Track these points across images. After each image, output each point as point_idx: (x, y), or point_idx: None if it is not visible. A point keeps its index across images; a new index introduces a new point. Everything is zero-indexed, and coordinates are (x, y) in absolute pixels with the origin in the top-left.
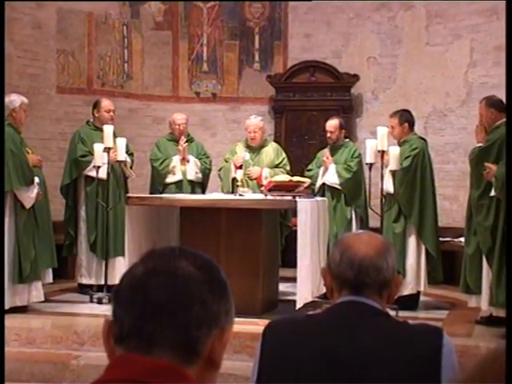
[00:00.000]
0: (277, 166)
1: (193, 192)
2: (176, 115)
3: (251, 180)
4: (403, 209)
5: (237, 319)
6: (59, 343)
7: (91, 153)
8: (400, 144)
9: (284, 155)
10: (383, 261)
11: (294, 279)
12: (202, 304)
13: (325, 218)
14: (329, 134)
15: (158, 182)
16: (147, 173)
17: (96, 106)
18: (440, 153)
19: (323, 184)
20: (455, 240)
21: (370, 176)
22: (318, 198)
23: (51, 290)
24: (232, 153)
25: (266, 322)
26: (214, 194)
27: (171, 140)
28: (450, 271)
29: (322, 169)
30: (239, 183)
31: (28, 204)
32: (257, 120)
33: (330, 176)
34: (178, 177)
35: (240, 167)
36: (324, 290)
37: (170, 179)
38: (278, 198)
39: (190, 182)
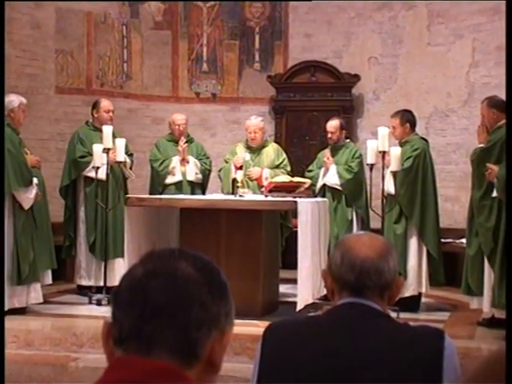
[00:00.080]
0: (277, 167)
1: (193, 193)
2: (176, 115)
3: (251, 181)
4: (404, 210)
5: (237, 321)
6: (58, 345)
7: (90, 153)
8: (401, 144)
9: (284, 156)
10: (384, 263)
11: (294, 281)
12: (201, 306)
13: (325, 219)
14: (329, 135)
15: (157, 183)
16: (147, 173)
17: (95, 106)
18: (441, 153)
19: (324, 185)
20: (457, 241)
21: (371, 177)
22: (319, 199)
23: (50, 292)
24: (232, 153)
25: (266, 323)
26: (214, 195)
27: (171, 140)
28: (451, 273)
29: (322, 169)
30: (239, 184)
31: (27, 205)
32: (257, 120)
33: (331, 177)
34: (177, 177)
35: (240, 168)
36: (325, 291)
37: (169, 180)
38: (278, 198)
39: (190, 182)
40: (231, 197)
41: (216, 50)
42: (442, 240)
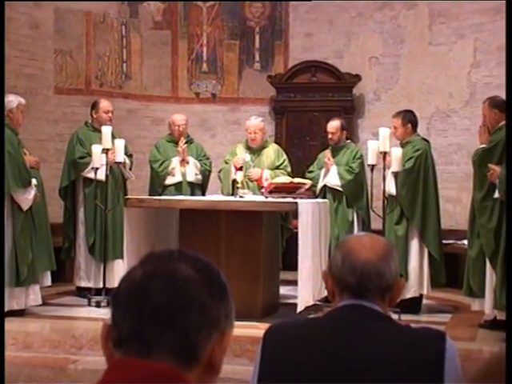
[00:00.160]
0: (277, 168)
1: (192, 194)
2: (175, 116)
3: (251, 182)
4: (405, 211)
5: (237, 323)
6: (57, 347)
7: (89, 154)
8: (402, 145)
9: (285, 156)
10: (386, 266)
11: (294, 282)
12: (201, 307)
13: (326, 220)
14: (330, 135)
15: (157, 184)
16: (146, 174)
17: (94, 106)
18: (443, 154)
19: (324, 186)
20: (458, 242)
21: (372, 177)
22: (320, 200)
23: (49, 294)
24: (232, 154)
25: (266, 325)
26: (214, 196)
27: (170, 141)
28: (453, 274)
29: (323, 170)
30: (239, 185)
31: (25, 206)
32: (257, 121)
33: (332, 178)
34: (177, 178)
35: (240, 169)
36: (325, 293)
37: (169, 181)
38: (278, 199)
39: (190, 183)
40: (231, 198)
41: (216, 50)
42: (444, 241)
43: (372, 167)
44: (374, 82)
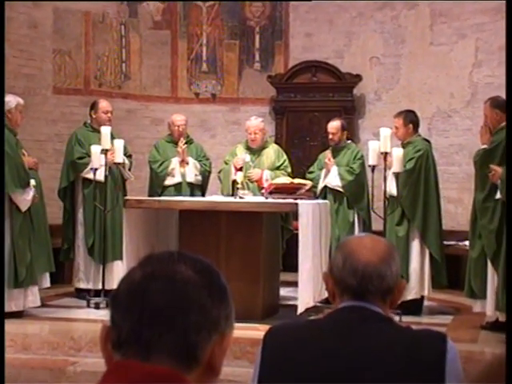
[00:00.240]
0: (278, 168)
1: (192, 194)
2: (175, 116)
3: (252, 182)
4: (406, 212)
5: (237, 324)
6: (56, 349)
7: (88, 155)
8: (404, 145)
9: (285, 157)
10: (387, 268)
11: (295, 283)
12: (201, 309)
13: (327, 221)
14: (331, 136)
15: (156, 185)
16: (145, 175)
17: (93, 107)
18: (444, 154)
19: (325, 186)
20: (460, 244)
21: (373, 178)
22: (320, 201)
23: (48, 295)
24: (232, 154)
25: (266, 327)
26: (214, 197)
27: (170, 142)
28: (454, 275)
29: (323, 171)
30: (239, 185)
31: (24, 207)
32: (257, 121)
33: (332, 178)
34: (177, 179)
35: (240, 169)
36: (326, 294)
37: (168, 181)
38: (278, 200)
39: (190, 184)
40: (231, 198)
41: (216, 50)
42: (445, 242)
43: (373, 168)
44: (375, 82)
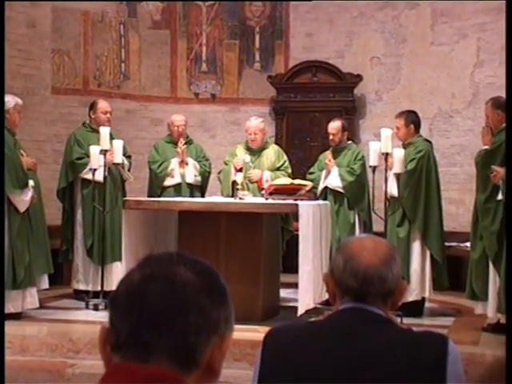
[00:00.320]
0: (278, 169)
1: (192, 195)
2: (175, 117)
3: (251, 183)
4: (407, 213)
5: (237, 326)
6: (54, 351)
7: (87, 155)
8: (405, 146)
9: (285, 158)
10: (388, 270)
11: (295, 285)
12: (200, 310)
13: (327, 222)
14: (331, 136)
15: (155, 185)
16: (145, 176)
17: (92, 107)
18: (446, 155)
19: (325, 187)
20: (461, 245)
21: (374, 179)
22: (321, 202)
23: (46, 297)
24: (232, 155)
25: (266, 329)
26: (214, 198)
27: (170, 142)
28: (455, 277)
29: (324, 172)
30: (239, 186)
31: (22, 208)
32: (257, 122)
33: (333, 179)
34: (176, 180)
35: (240, 170)
36: (326, 296)
37: (168, 182)
38: (279, 201)
39: (189, 185)
40: (231, 199)
41: (215, 50)
42: (446, 243)
43: (374, 168)
44: (376, 83)
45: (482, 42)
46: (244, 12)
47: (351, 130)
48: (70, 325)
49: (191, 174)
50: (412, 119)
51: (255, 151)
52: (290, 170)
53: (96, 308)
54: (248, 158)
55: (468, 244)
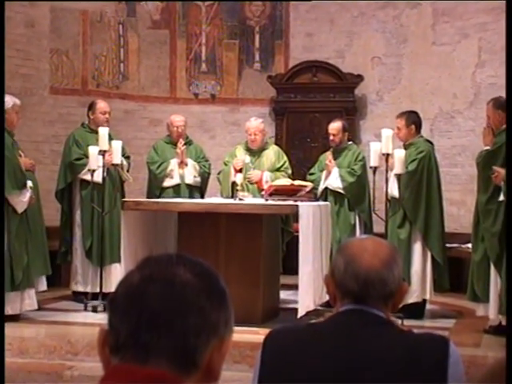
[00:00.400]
0: (278, 170)
1: (191, 196)
2: (174, 117)
3: (251, 184)
4: (408, 214)
5: (236, 328)
6: (53, 353)
7: (86, 156)
8: (406, 147)
9: (285, 158)
10: (389, 272)
11: (295, 287)
12: (200, 312)
13: (327, 224)
14: (331, 137)
15: (154, 186)
16: (144, 177)
17: (91, 107)
18: (447, 156)
19: (326, 188)
20: (462, 246)
21: (375, 180)
22: (321, 203)
23: (45, 298)
24: (232, 156)
25: (266, 331)
26: (213, 199)
27: (169, 143)
28: (456, 279)
29: (324, 172)
30: (239, 187)
31: (20, 209)
32: (257, 122)
33: (333, 180)
34: (175, 181)
35: (240, 171)
36: (326, 297)
37: (167, 183)
38: (279, 202)
39: (188, 186)
40: (231, 200)
41: (215, 50)
42: (447, 245)
43: (374, 169)
44: (377, 83)
45: (484, 42)
46: (244, 12)
47: (352, 131)
48: (68, 327)
49: (190, 175)
50: (413, 120)
51: (255, 152)
52: (290, 171)
53: (95, 310)
54: (248, 158)
55: (469, 245)
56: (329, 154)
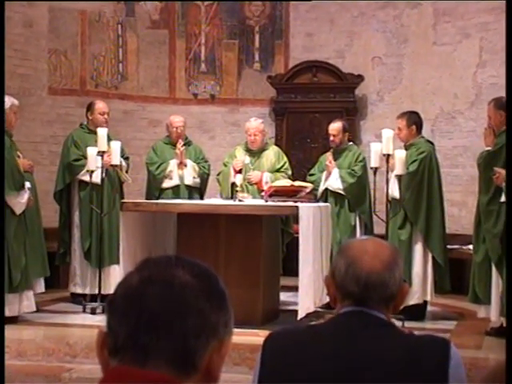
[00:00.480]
0: (278, 171)
1: (190, 197)
2: (173, 117)
3: (251, 185)
4: (409, 215)
5: (236, 330)
6: (51, 355)
7: (85, 156)
8: (406, 147)
9: (285, 159)
10: (390, 275)
11: (295, 288)
12: (199, 313)
13: (328, 225)
14: (332, 137)
15: (154, 187)
16: (143, 177)
17: (90, 108)
18: (448, 156)
19: (326, 189)
20: (463, 248)
21: (375, 181)
22: (321, 204)
23: (43, 300)
24: (231, 156)
25: (266, 333)
26: (213, 200)
27: (168, 143)
28: (458, 280)
29: (324, 173)
30: (239, 188)
31: (18, 210)
32: (257, 122)
33: (334, 181)
34: (174, 182)
35: (239, 171)
36: (327, 299)
37: (166, 184)
38: (279, 203)
39: (188, 187)
40: (230, 201)
41: (214, 50)
42: (449, 246)
43: (375, 170)
44: (377, 83)
45: (485, 42)
46: (243, 11)
47: (352, 131)
48: (67, 329)
49: (190, 176)
50: (414, 120)
51: (255, 152)
52: (290, 172)
53: (93, 312)
54: (248, 159)
55: (470, 247)
56: (329, 155)
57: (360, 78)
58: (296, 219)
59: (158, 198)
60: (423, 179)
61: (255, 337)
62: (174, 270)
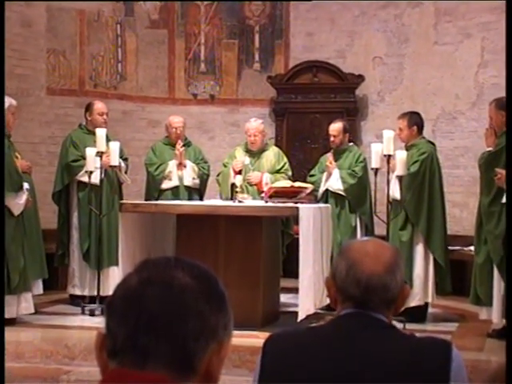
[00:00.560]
0: (278, 171)
1: (190, 198)
2: (173, 118)
3: (251, 186)
4: (410, 216)
5: (236, 332)
6: (49, 357)
7: (84, 157)
8: (407, 148)
9: (285, 160)
10: (392, 277)
11: (295, 290)
12: (198, 316)
13: (328, 226)
14: (332, 138)
15: (153, 188)
16: (142, 178)
17: (88, 108)
18: (449, 157)
19: (326, 190)
20: (465, 249)
21: (376, 182)
22: (321, 205)
23: (41, 302)
24: (231, 157)
25: (266, 334)
26: (212, 201)
27: (167, 144)
28: (459, 282)
29: (325, 174)
30: (238, 189)
31: (17, 211)
32: (257, 123)
33: (334, 182)
34: (174, 182)
35: (239, 172)
36: (327, 301)
37: (165, 185)
38: (279, 204)
39: (187, 187)
40: (230, 202)
41: (214, 50)
42: (450, 247)
43: (376, 171)
44: (378, 83)
45: (487, 42)
46: (243, 11)
47: (353, 132)
48: (65, 331)
49: (189, 177)
50: (415, 120)
51: (255, 153)
52: (290, 173)
53: (92, 313)
54: (247, 160)
55: (472, 248)
56: (329, 156)
57: (361, 78)
58: (296, 220)
59: (157, 199)
60: (424, 180)
61: (255, 339)
62: (173, 272)
